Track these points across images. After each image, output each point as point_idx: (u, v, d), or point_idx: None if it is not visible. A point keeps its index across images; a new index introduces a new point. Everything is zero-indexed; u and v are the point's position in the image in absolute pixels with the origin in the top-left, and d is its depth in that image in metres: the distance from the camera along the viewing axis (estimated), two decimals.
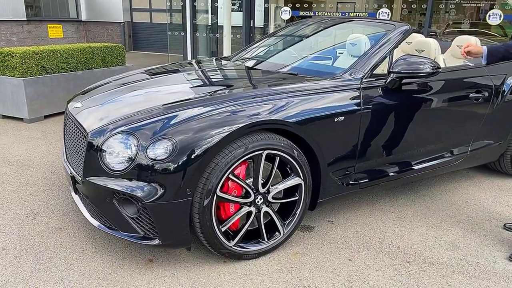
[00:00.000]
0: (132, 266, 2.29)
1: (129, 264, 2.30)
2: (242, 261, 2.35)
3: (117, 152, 2.11)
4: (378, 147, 2.72)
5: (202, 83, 2.89)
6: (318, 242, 2.58)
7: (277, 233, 2.44)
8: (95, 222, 2.29)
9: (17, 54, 4.95)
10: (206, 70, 3.23)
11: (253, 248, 2.36)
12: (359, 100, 2.52)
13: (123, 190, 2.06)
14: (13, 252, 2.38)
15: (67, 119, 2.62)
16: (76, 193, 2.46)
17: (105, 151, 2.13)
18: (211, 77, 3.04)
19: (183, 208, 2.08)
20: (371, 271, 2.30)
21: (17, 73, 4.99)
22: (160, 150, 2.03)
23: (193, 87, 2.75)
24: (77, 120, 2.41)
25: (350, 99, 2.50)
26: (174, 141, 2.03)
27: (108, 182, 2.11)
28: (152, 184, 2.04)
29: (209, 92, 2.46)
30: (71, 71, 5.57)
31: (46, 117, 5.32)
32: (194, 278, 2.21)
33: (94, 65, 5.91)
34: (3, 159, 3.85)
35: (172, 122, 2.10)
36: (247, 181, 2.27)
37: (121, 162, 2.10)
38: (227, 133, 2.08)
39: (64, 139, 2.64)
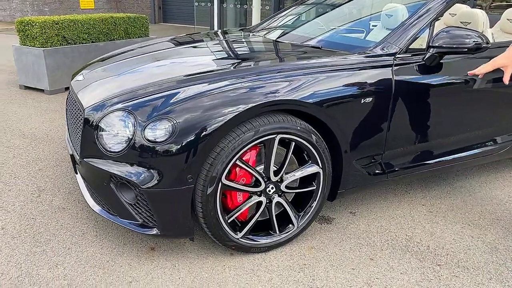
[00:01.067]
0: (132, 254, 2.13)
1: (129, 252, 2.14)
2: (250, 255, 2.14)
3: (114, 131, 1.91)
4: (410, 133, 2.40)
5: (216, 56, 2.62)
6: (336, 236, 2.33)
7: (290, 225, 2.20)
8: (96, 207, 2.12)
9: (37, 24, 4.83)
10: (225, 41, 2.96)
11: (263, 240, 2.14)
12: (391, 79, 2.19)
13: (119, 174, 1.87)
14: (12, 232, 2.27)
15: (69, 93, 2.44)
16: (77, 173, 2.30)
17: (101, 130, 1.93)
18: (225, 49, 2.78)
19: (184, 197, 1.87)
20: (395, 274, 2.04)
21: (37, 43, 4.89)
22: (158, 131, 1.81)
23: (209, 60, 2.49)
24: (76, 95, 2.22)
25: (380, 77, 2.18)
26: (175, 121, 1.80)
27: (104, 164, 1.92)
28: (150, 169, 1.83)
29: (218, 67, 2.20)
30: (92, 42, 5.42)
31: (67, 89, 5.23)
32: (196, 271, 2.02)
33: (117, 36, 5.74)
34: (19, 131, 3.77)
35: (174, 100, 1.87)
36: (257, 168, 2.03)
37: (118, 143, 1.90)
38: (234, 114, 1.83)
39: (66, 115, 2.47)
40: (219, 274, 2.00)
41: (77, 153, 2.08)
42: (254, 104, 1.86)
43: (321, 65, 2.12)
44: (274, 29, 3.18)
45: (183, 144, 1.79)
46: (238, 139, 1.87)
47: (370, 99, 2.14)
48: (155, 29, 12.21)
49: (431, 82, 2.32)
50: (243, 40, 2.99)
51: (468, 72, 2.26)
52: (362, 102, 2.12)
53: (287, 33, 3.03)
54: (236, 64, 2.26)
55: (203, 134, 1.80)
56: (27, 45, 4.98)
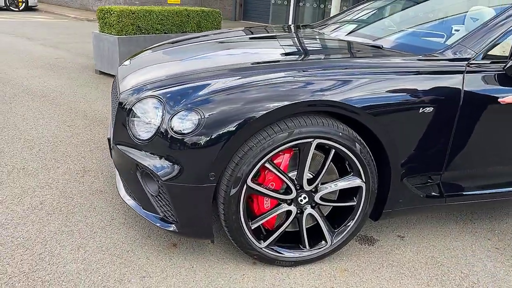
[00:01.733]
0: (153, 248, 2.05)
1: (150, 245, 2.07)
2: (274, 268, 1.96)
3: (144, 119, 1.84)
4: (479, 153, 2.04)
5: (268, 48, 2.47)
6: (377, 261, 2.06)
7: (323, 241, 1.98)
8: (125, 196, 2.07)
9: (115, 12, 5.04)
10: (284, 35, 2.79)
11: (290, 254, 1.94)
12: (460, 88, 1.87)
13: (143, 163, 1.79)
14: (48, 208, 2.32)
15: (114, 78, 2.44)
16: (112, 158, 2.28)
17: (133, 116, 1.87)
18: (282, 43, 2.60)
19: (204, 195, 1.74)
20: None
21: (114, 31, 5.11)
22: (185, 123, 1.70)
23: (259, 51, 2.35)
24: (118, 79, 2.20)
25: (446, 84, 1.87)
26: (202, 114, 1.68)
27: (132, 151, 1.86)
28: (172, 161, 1.73)
29: (262, 61, 2.03)
30: (165, 33, 5.56)
31: None
32: (213, 276, 1.88)
33: (189, 28, 5.83)
34: (83, 112, 3.94)
35: (205, 91, 1.74)
36: (290, 174, 1.83)
37: (147, 131, 1.82)
38: (265, 112, 1.66)
39: (111, 99, 2.48)
40: (236, 283, 1.85)
41: (112, 138, 2.06)
42: (289, 103, 1.68)
43: (374, 66, 1.87)
44: (340, 27, 2.94)
45: (208, 139, 1.66)
46: (269, 139, 1.70)
47: (431, 109, 1.84)
48: (233, 25, 12.38)
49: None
50: (301, 36, 2.79)
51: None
52: (420, 111, 1.83)
53: (352, 31, 2.78)
54: (281, 57, 2.08)
55: (230, 130, 1.65)
56: (105, 33, 5.23)
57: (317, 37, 2.68)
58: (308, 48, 2.49)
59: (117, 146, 1.94)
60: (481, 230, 2.38)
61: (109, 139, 2.23)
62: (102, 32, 5.27)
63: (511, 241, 2.29)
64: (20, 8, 13.64)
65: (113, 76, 5.33)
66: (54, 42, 7.81)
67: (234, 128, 1.65)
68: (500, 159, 2.10)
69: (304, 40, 2.63)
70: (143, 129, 1.84)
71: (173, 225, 1.84)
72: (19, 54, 6.40)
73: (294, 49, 2.45)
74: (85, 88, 4.81)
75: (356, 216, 1.95)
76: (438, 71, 1.89)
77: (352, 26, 2.91)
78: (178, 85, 1.82)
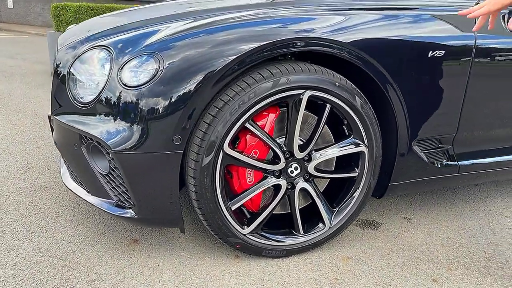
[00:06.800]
0: (108, 246, 1.62)
1: (104, 243, 1.64)
2: (262, 260, 1.57)
3: (87, 77, 1.44)
4: (498, 112, 1.74)
5: None
6: (384, 246, 1.70)
7: (320, 224, 1.60)
8: (71, 184, 1.66)
9: (71, 9, 4.63)
10: None
11: (280, 241, 1.56)
12: (470, 32, 1.57)
13: (87, 131, 1.38)
14: None
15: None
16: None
17: (73, 75, 1.48)
18: None
19: (168, 166, 1.34)
20: None
21: None
22: (139, 72, 1.32)
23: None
24: (57, 45, 1.80)
25: (456, 24, 1.57)
26: (160, 58, 1.30)
27: (74, 120, 1.45)
28: (123, 125, 1.33)
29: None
30: None
31: None
32: (185, 275, 1.47)
33: None
34: (32, 112, 3.47)
35: (167, 33, 1.37)
36: (277, 140, 1.47)
37: (90, 92, 1.42)
38: (244, 53, 1.30)
39: None
40: (214, 281, 1.44)
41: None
42: (267, 42, 1.32)
43: (374, 5, 1.55)
44: None
45: (169, 89, 1.28)
46: (249, 90, 1.33)
47: (442, 52, 1.52)
48: None
49: None
50: None
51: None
52: (429, 55, 1.51)
53: None
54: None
55: (198, 77, 1.28)
56: (61, 31, 4.79)
57: None
58: None
59: (56, 117, 1.53)
60: (495, 208, 2.08)
61: (49, 116, 1.81)
62: (58, 30, 4.83)
63: None
64: None
65: None
66: (11, 53, 7.25)
67: (201, 76, 1.28)
68: None
69: None
70: (84, 89, 1.44)
71: (130, 210, 1.43)
72: None
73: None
74: (38, 90, 4.33)
75: (359, 190, 1.59)
76: (444, 9, 1.58)
77: None
78: (130, 32, 1.44)
